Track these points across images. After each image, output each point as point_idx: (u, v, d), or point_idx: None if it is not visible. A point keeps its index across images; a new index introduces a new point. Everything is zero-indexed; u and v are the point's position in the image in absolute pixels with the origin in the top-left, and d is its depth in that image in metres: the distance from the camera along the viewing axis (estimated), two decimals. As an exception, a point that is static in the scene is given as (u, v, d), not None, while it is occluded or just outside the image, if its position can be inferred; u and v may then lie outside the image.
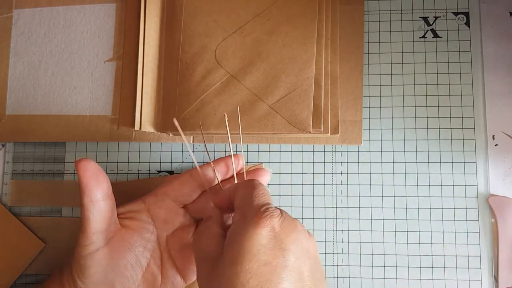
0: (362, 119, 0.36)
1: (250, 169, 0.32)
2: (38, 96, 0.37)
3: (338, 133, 0.35)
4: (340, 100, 0.35)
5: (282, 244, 0.23)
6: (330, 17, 0.36)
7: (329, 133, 0.35)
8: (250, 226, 0.23)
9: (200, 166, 0.31)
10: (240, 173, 0.32)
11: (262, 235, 0.23)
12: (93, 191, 0.27)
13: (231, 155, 0.31)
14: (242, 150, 0.36)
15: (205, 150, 0.36)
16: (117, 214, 0.29)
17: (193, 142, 0.37)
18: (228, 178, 0.33)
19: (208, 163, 0.32)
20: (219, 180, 0.31)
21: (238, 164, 0.32)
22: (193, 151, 0.37)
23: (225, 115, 0.32)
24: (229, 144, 0.31)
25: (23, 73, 0.38)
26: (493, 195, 0.35)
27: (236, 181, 0.31)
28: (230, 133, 0.34)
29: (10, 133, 0.37)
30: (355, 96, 0.36)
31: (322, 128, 0.34)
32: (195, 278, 0.31)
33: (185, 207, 0.31)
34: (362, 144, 0.36)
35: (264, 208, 0.24)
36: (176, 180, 0.31)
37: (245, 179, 0.31)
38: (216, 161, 0.32)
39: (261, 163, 0.36)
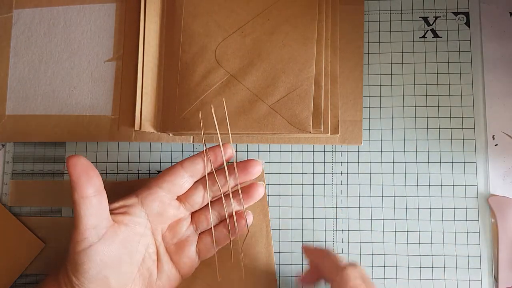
0: (362, 119, 0.36)
1: (240, 161, 0.32)
2: (38, 96, 0.37)
3: (338, 133, 0.35)
4: (340, 100, 0.35)
5: None
6: (330, 17, 0.36)
7: (329, 133, 0.35)
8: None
9: (191, 157, 0.31)
10: (230, 164, 0.32)
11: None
12: (84, 187, 0.27)
13: (219, 144, 0.31)
14: (233, 146, 0.36)
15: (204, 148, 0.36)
16: (110, 210, 0.29)
17: (193, 142, 0.37)
18: (219, 170, 0.32)
19: (198, 153, 0.31)
20: (213, 169, 0.31)
21: (226, 153, 0.31)
22: (193, 151, 0.37)
23: (212, 106, 0.31)
24: (218, 134, 0.31)
25: (23, 73, 0.38)
26: (493, 195, 0.35)
27: (227, 172, 0.31)
28: (229, 134, 0.35)
29: (10, 133, 0.37)
30: (355, 96, 0.36)
31: (322, 128, 0.34)
32: (191, 272, 0.31)
33: (178, 198, 0.31)
34: (362, 144, 0.36)
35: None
36: (167, 172, 0.30)
37: (236, 170, 0.31)
38: (206, 150, 0.32)
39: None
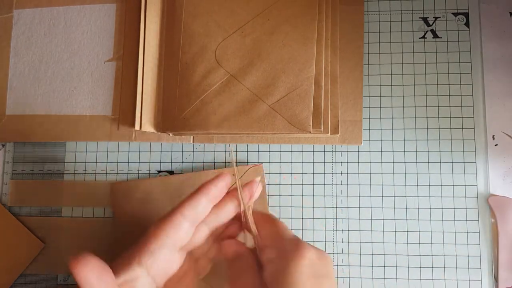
0: (362, 119, 0.36)
1: (244, 184, 0.30)
2: (38, 96, 0.37)
3: (338, 133, 0.35)
4: (340, 100, 0.35)
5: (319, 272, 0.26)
6: (330, 17, 0.36)
7: (329, 133, 0.35)
8: (294, 259, 0.25)
9: (191, 199, 0.28)
10: (234, 188, 0.30)
11: (305, 266, 0.25)
12: None
13: (240, 198, 0.29)
14: (236, 150, 0.36)
15: (203, 150, 0.36)
16: None
17: (193, 142, 0.37)
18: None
19: (198, 192, 0.28)
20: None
21: (251, 197, 0.29)
22: (193, 151, 0.37)
23: (231, 149, 0.29)
24: (238, 183, 0.29)
25: (23, 73, 0.38)
26: (493, 195, 0.35)
27: (242, 214, 0.29)
28: (229, 133, 0.35)
29: (10, 133, 0.37)
30: (355, 96, 0.36)
31: (322, 128, 0.34)
32: None
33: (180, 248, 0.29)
34: (362, 144, 0.36)
35: (298, 241, 0.26)
36: (168, 225, 0.28)
37: (240, 197, 0.29)
38: (231, 192, 0.30)
39: (261, 163, 0.36)
